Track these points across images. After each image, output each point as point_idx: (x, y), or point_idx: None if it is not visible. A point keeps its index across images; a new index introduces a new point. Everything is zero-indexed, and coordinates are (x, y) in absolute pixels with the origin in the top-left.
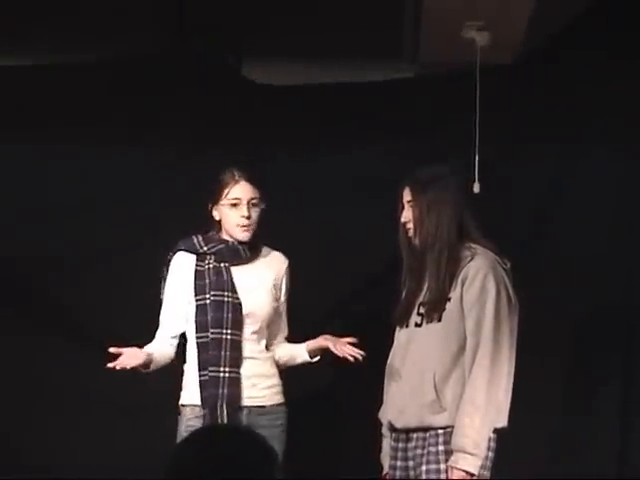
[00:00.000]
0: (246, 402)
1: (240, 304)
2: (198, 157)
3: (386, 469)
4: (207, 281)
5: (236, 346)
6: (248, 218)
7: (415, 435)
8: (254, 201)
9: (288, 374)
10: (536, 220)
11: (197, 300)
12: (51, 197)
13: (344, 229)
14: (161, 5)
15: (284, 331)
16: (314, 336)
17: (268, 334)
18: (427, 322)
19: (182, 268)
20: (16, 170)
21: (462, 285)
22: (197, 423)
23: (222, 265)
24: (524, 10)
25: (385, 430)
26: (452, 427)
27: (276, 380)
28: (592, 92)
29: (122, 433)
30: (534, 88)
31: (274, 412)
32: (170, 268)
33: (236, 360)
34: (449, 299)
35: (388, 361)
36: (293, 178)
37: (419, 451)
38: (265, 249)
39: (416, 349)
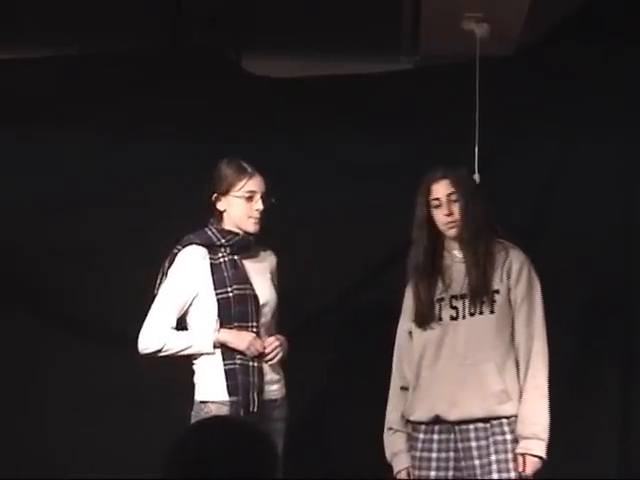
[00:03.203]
0: (267, 395)
1: (257, 296)
2: (198, 149)
3: (404, 465)
4: (225, 274)
5: (259, 338)
6: (262, 211)
7: (472, 426)
8: (264, 195)
9: (291, 370)
10: (536, 211)
11: (218, 294)
12: (51, 192)
13: (346, 219)
14: (160, 1)
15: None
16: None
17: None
18: (471, 314)
19: (194, 262)
20: (14, 165)
21: (508, 277)
22: None
23: (236, 258)
24: (523, 1)
25: (401, 425)
26: (515, 416)
27: (282, 373)
28: (592, 83)
29: (128, 428)
30: (534, 79)
31: (282, 405)
32: (179, 262)
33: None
34: (497, 291)
35: (414, 358)
36: (293, 169)
37: (475, 443)
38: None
39: (460, 341)
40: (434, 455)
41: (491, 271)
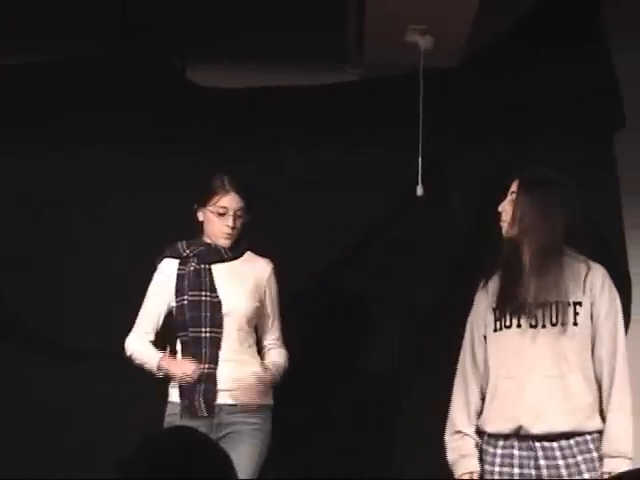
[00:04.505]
0: (220, 400)
1: (219, 302)
2: (141, 159)
3: (473, 468)
4: (186, 283)
5: (215, 343)
6: (233, 228)
7: (557, 444)
8: (239, 212)
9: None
10: (481, 221)
11: (176, 302)
12: (5, 198)
13: (289, 231)
14: (105, 7)
15: (273, 333)
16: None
17: (257, 333)
18: (552, 324)
19: (164, 274)
20: None
21: (590, 291)
22: (174, 419)
23: (202, 266)
24: (467, 14)
25: (470, 430)
26: (598, 432)
27: (255, 380)
28: (536, 93)
29: (91, 439)
30: (478, 90)
31: (247, 411)
32: (155, 275)
33: (214, 357)
34: (579, 303)
35: (496, 364)
36: (241, 179)
37: (562, 462)
38: (249, 254)
39: (542, 351)
40: (516, 470)
41: (553, 282)
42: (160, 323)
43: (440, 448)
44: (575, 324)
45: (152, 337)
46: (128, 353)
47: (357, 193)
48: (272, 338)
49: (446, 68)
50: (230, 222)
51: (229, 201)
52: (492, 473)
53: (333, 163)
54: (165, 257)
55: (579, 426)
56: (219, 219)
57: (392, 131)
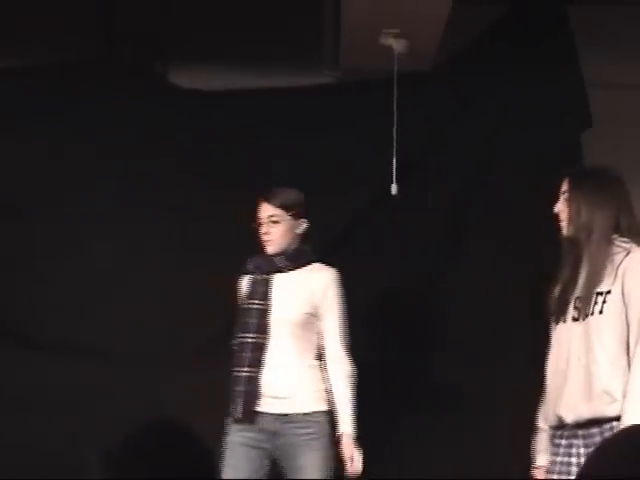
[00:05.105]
0: (269, 409)
1: (267, 310)
2: (126, 161)
3: (541, 463)
4: (245, 293)
5: (258, 348)
6: (266, 234)
7: (587, 432)
8: (273, 219)
9: None
10: (453, 220)
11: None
12: None
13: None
14: (88, 13)
15: (331, 340)
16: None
17: (311, 342)
18: (585, 315)
19: (240, 290)
20: None
21: (623, 277)
22: (229, 423)
23: (261, 277)
24: (440, 18)
25: (543, 424)
26: None
27: (309, 387)
28: (507, 94)
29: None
30: (450, 93)
31: (299, 420)
32: None
33: (257, 361)
34: (609, 292)
35: (550, 359)
36: (221, 180)
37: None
38: (317, 265)
39: (578, 343)
40: (558, 459)
41: (598, 275)
42: None
43: (439, 446)
44: (600, 312)
45: None
46: None
47: (337, 191)
48: (331, 346)
49: (421, 71)
50: (263, 229)
51: (260, 211)
52: (554, 463)
53: (311, 164)
54: (242, 274)
55: (598, 413)
56: (260, 229)
57: (367, 132)
